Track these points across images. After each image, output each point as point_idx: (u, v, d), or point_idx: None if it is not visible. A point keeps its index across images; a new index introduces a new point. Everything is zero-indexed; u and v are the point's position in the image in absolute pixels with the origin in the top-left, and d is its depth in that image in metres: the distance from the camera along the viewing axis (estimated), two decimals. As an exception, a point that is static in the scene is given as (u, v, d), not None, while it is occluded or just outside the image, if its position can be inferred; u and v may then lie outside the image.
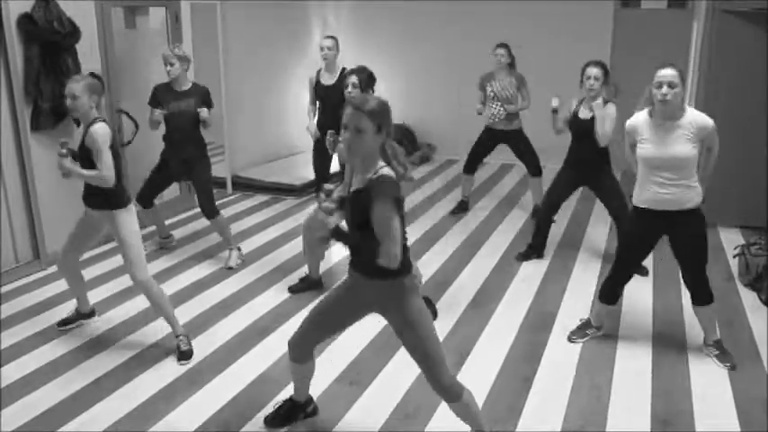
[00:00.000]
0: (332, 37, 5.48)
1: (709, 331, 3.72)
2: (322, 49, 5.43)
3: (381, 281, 2.58)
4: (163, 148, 4.97)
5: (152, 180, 5.02)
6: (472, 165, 6.22)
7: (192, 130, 4.83)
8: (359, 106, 2.45)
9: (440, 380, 2.65)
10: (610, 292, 3.81)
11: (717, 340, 3.73)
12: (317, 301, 2.91)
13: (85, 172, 3.52)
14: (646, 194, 3.54)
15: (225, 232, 5.05)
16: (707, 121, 3.44)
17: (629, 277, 3.80)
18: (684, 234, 3.55)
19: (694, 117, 3.43)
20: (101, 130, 3.45)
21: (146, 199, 5.03)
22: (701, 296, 3.64)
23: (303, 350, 2.90)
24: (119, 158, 3.56)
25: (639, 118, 3.57)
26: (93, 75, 3.56)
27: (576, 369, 3.59)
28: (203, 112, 4.76)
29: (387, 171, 2.47)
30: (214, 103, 4.99)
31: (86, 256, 4.23)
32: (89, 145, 3.47)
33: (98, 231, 3.80)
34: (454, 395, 2.67)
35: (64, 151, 3.52)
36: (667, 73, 3.34)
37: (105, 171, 3.47)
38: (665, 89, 3.34)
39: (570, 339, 3.92)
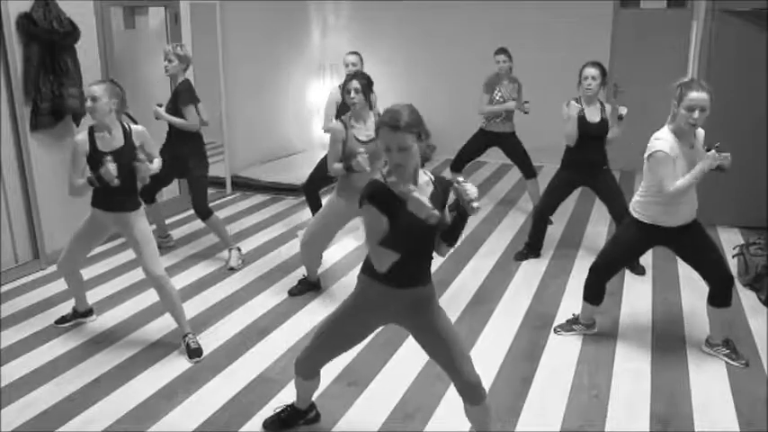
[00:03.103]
0: (355, 53, 5.39)
1: (717, 331, 3.71)
2: (347, 65, 5.32)
3: (420, 288, 2.57)
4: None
5: (154, 175, 4.99)
6: (459, 163, 6.19)
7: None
8: (395, 124, 2.28)
9: (469, 379, 2.58)
10: (597, 292, 3.81)
11: (727, 339, 3.72)
12: (324, 320, 2.78)
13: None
14: (656, 214, 3.47)
15: (221, 232, 5.03)
16: (702, 133, 3.45)
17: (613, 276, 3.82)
18: (696, 243, 3.53)
19: (700, 134, 3.42)
20: (140, 127, 3.69)
21: (148, 194, 5.03)
22: (726, 297, 3.57)
23: (312, 368, 2.85)
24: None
25: (671, 144, 3.29)
26: (112, 81, 3.61)
27: (575, 369, 3.59)
28: (158, 109, 4.76)
29: (429, 174, 2.53)
30: (187, 102, 4.72)
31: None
32: (143, 144, 3.64)
33: (105, 234, 3.81)
34: (480, 397, 2.60)
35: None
36: (702, 97, 3.17)
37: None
38: (697, 113, 3.19)
39: (555, 331, 3.95)
